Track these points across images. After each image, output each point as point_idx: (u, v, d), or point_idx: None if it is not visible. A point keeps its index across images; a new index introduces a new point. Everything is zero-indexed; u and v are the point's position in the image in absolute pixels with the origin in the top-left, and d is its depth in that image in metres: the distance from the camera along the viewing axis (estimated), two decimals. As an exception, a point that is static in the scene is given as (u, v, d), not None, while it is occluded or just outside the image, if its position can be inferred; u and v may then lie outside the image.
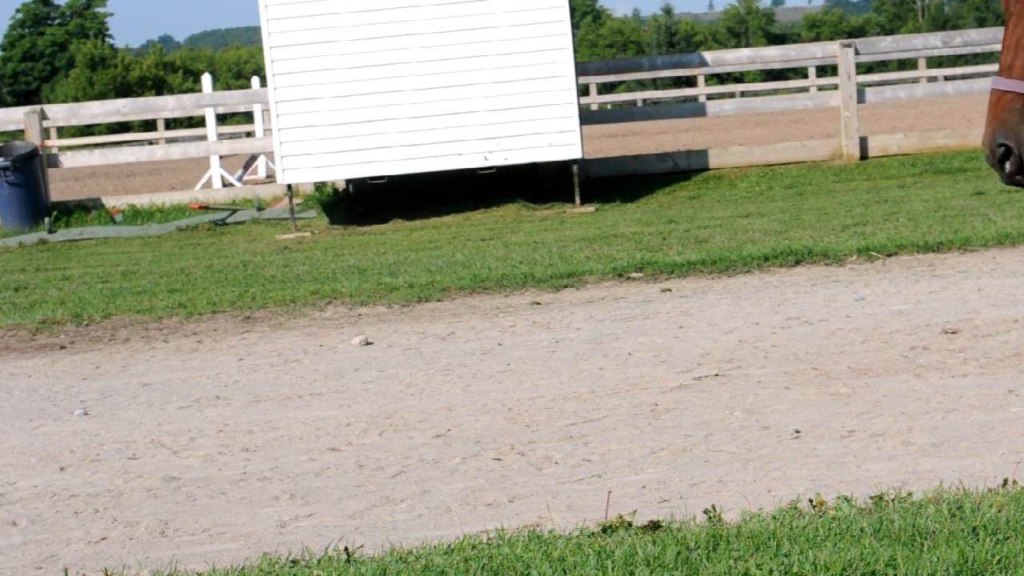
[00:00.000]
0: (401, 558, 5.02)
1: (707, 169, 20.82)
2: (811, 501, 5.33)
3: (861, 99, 20.90)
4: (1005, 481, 5.55)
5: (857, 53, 21.37)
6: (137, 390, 8.94)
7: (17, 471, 7.12)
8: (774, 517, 5.15)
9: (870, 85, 32.84)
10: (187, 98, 28.35)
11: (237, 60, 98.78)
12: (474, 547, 5.07)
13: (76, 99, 70.04)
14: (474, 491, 6.18)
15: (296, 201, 19.69)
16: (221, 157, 26.17)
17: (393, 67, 18.35)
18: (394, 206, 19.19)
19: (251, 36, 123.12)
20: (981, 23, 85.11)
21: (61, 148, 41.09)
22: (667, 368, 8.47)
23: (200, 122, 46.93)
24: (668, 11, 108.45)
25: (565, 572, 4.69)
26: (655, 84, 68.12)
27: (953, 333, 8.75)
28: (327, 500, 6.20)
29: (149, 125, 54.01)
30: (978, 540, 4.69)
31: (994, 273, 10.81)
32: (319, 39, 18.43)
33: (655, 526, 5.17)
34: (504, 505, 5.95)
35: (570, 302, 11.05)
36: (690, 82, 54.42)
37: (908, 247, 12.10)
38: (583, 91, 38.52)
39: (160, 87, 77.50)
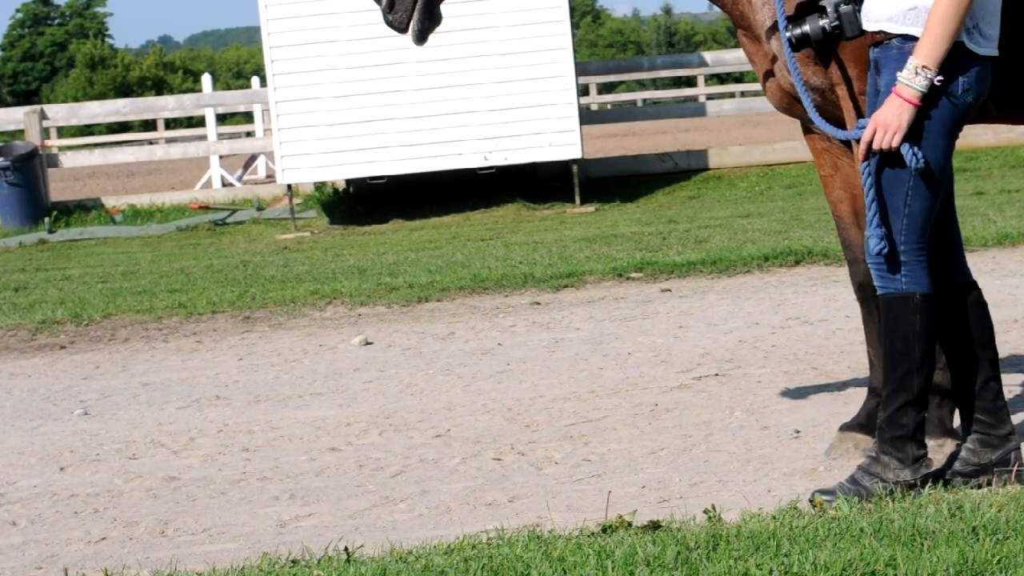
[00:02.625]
0: (401, 558, 5.02)
1: (707, 169, 20.82)
2: (811, 501, 5.33)
3: (861, 99, 20.87)
4: (1005, 481, 5.55)
5: (857, 53, 21.34)
6: (137, 390, 8.94)
7: (17, 471, 7.12)
8: (774, 517, 5.15)
9: (870, 85, 32.74)
10: (187, 98, 28.37)
11: (237, 60, 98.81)
12: (474, 547, 5.06)
13: (76, 99, 70.04)
14: (474, 491, 6.17)
15: (296, 201, 19.69)
16: (221, 157, 26.18)
17: (393, 67, 18.35)
18: (394, 206, 19.19)
19: (251, 36, 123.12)
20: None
21: (61, 148, 41.07)
22: (667, 368, 8.47)
23: (200, 122, 46.91)
24: (668, 11, 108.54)
25: (565, 572, 4.68)
26: (655, 84, 68.08)
27: (953, 333, 8.73)
28: (327, 500, 6.20)
29: (149, 125, 54.01)
30: (978, 540, 4.69)
31: (994, 273, 10.80)
32: (319, 39, 18.43)
33: (655, 526, 5.17)
34: (504, 505, 5.95)
35: (570, 302, 11.05)
36: (690, 82, 54.39)
37: (908, 247, 12.08)
38: (583, 91, 38.50)
39: (160, 87, 77.50)
